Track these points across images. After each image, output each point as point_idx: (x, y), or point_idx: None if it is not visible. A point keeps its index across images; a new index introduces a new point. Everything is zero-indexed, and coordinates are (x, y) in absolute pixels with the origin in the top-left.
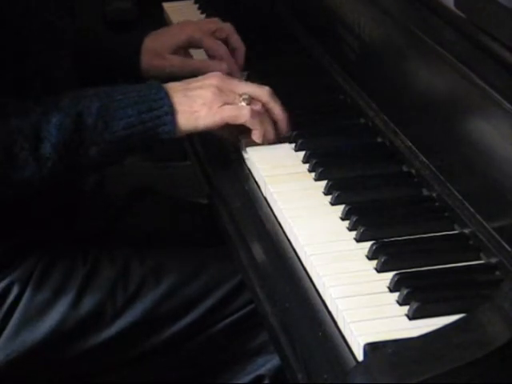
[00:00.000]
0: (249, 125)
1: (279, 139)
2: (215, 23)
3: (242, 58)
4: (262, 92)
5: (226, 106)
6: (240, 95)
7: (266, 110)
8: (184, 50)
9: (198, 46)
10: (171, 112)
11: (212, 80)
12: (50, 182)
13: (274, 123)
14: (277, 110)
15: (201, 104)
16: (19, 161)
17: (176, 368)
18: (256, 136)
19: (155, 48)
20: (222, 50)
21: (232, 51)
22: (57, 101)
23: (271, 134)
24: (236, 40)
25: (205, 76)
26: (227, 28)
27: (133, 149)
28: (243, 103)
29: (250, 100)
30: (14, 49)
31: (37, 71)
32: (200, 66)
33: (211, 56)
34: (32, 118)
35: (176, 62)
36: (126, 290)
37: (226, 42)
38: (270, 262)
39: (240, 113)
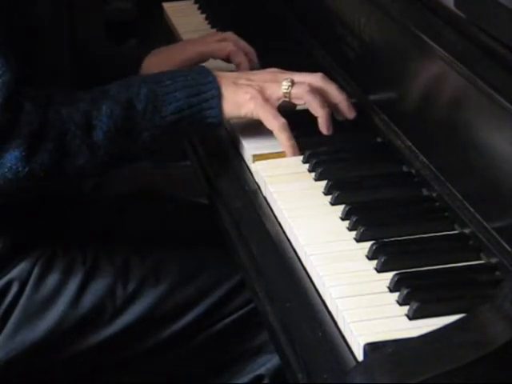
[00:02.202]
0: (276, 135)
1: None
2: (217, 34)
3: (255, 59)
4: (314, 78)
5: (268, 106)
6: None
7: (323, 95)
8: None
9: (203, 61)
10: (218, 96)
11: (265, 72)
12: (102, 169)
13: (335, 107)
14: (333, 93)
15: (245, 93)
16: (72, 149)
17: (175, 367)
18: (288, 152)
19: (155, 68)
20: (229, 46)
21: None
22: (105, 89)
23: (325, 117)
24: (243, 45)
25: (260, 70)
26: (231, 36)
27: (183, 134)
28: (284, 87)
29: (292, 82)
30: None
31: (31, 71)
32: None
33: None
34: (82, 106)
35: None
36: (126, 290)
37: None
38: (270, 262)
39: (273, 121)
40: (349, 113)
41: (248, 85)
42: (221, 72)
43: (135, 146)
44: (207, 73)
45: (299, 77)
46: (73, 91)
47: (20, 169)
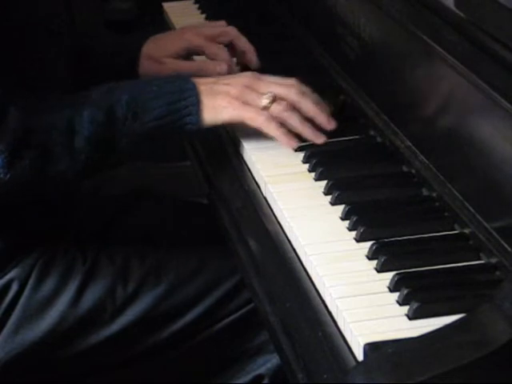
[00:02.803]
0: (264, 130)
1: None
2: (218, 27)
3: (254, 59)
4: (289, 91)
5: (247, 107)
6: (263, 94)
7: (298, 109)
8: (184, 57)
9: (198, 53)
10: (197, 102)
11: (242, 78)
12: (83, 175)
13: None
14: (307, 106)
15: (223, 98)
16: (54, 155)
17: (175, 367)
18: (281, 141)
19: (153, 53)
20: (223, 54)
21: (242, 54)
22: (87, 95)
23: (306, 132)
24: (243, 42)
25: (237, 74)
26: (232, 31)
27: (162, 139)
28: (265, 101)
29: (274, 98)
30: (9, 48)
31: (31, 71)
32: (198, 67)
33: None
34: (65, 112)
35: (173, 65)
36: (126, 289)
37: (232, 46)
38: (270, 262)
39: (256, 117)
40: (327, 125)
41: (226, 91)
42: (199, 78)
43: (115, 152)
44: (186, 80)
45: (280, 90)
46: (57, 95)
47: (2, 175)
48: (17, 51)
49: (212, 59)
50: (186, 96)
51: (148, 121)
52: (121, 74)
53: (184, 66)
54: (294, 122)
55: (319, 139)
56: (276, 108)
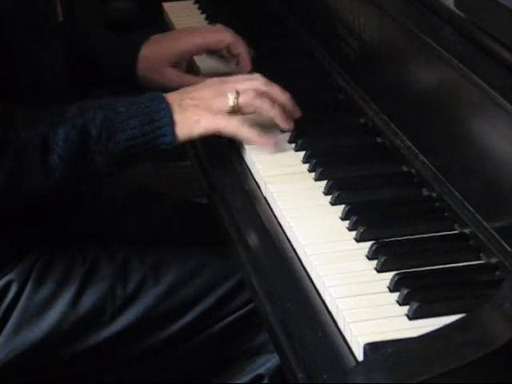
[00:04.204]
0: (239, 135)
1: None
2: (214, 26)
3: (247, 64)
4: (256, 83)
5: (218, 116)
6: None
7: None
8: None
9: (200, 53)
10: (171, 123)
11: (206, 87)
12: (56, 191)
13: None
14: (276, 94)
15: (193, 112)
16: (28, 171)
17: (175, 367)
18: (257, 143)
19: (153, 59)
20: (229, 37)
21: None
22: (63, 112)
23: (278, 116)
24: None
25: (201, 84)
26: (226, 30)
27: (136, 159)
28: (231, 99)
29: (237, 92)
30: (3, 48)
31: (27, 71)
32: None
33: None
34: (40, 129)
35: (174, 78)
36: (126, 290)
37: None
38: (270, 262)
39: (228, 124)
40: (295, 112)
41: (194, 105)
42: (168, 95)
43: (89, 170)
44: (160, 99)
45: (242, 85)
46: (34, 111)
47: None
48: (17, 52)
49: (218, 47)
50: (158, 117)
51: (121, 140)
52: (119, 75)
53: (184, 79)
54: (267, 106)
55: (290, 124)
56: (243, 99)
